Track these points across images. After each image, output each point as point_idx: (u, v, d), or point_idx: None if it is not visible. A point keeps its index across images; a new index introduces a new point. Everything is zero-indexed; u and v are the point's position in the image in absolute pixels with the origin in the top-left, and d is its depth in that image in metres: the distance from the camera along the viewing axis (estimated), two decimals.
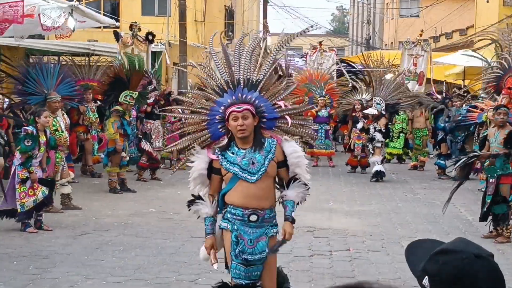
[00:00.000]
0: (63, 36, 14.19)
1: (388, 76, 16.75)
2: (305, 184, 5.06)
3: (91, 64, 16.91)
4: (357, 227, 10.02)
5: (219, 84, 5.20)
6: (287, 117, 5.16)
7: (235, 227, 4.94)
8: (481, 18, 29.44)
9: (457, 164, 9.70)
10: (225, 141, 5.02)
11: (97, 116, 14.38)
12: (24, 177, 9.17)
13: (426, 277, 1.92)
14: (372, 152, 15.13)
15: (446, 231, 9.77)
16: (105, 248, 8.45)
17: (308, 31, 5.96)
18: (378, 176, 14.78)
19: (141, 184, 13.78)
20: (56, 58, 18.31)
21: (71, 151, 13.21)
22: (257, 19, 46.69)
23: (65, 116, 11.62)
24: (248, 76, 5.16)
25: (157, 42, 19.17)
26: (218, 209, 5.06)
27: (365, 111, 15.40)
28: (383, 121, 14.97)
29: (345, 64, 21.82)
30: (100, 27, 22.76)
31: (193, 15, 26.40)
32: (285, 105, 5.19)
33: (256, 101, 5.06)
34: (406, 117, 16.92)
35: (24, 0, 11.99)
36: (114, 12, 26.73)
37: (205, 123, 5.16)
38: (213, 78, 5.26)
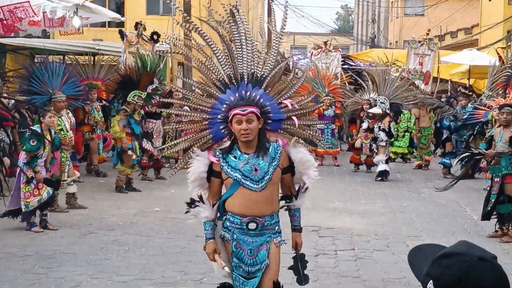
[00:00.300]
0: (67, 33, 14.24)
1: (393, 73, 16.74)
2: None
3: (95, 63, 16.92)
4: (362, 226, 10.01)
5: (220, 78, 4.80)
6: (294, 118, 4.79)
7: (235, 236, 4.64)
8: (486, 16, 29.41)
9: (460, 157, 9.69)
10: (227, 143, 4.69)
11: (102, 115, 14.42)
12: (30, 177, 9.19)
13: (431, 281, 1.92)
14: (376, 151, 15.12)
15: (451, 231, 9.76)
16: (110, 248, 8.46)
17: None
18: (383, 175, 14.76)
19: (146, 183, 13.80)
20: (61, 57, 18.36)
21: (76, 151, 13.25)
22: (262, 18, 46.62)
23: (70, 115, 11.64)
24: (253, 71, 4.80)
25: (162, 42, 19.17)
26: (219, 214, 4.74)
27: (369, 110, 15.38)
28: (387, 120, 14.95)
29: (350, 64, 21.84)
30: (105, 27, 22.74)
31: (198, 14, 26.39)
32: (292, 105, 4.80)
33: (261, 100, 4.69)
34: (411, 116, 16.91)
35: (30, 0, 12.04)
36: (119, 11, 26.76)
37: (207, 122, 4.78)
38: (214, 72, 4.85)
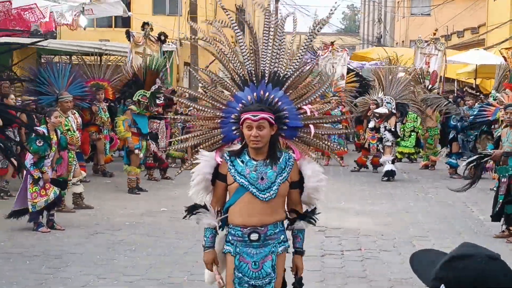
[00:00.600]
0: (75, 27, 14.25)
1: (400, 74, 16.70)
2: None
3: (102, 63, 16.95)
4: (369, 226, 10.00)
5: (240, 74, 4.44)
6: (311, 125, 4.39)
7: (237, 249, 4.32)
8: (492, 16, 29.33)
9: (468, 163, 9.67)
10: (238, 146, 4.38)
11: (108, 116, 14.45)
12: (37, 177, 9.21)
13: (442, 285, 1.93)
14: (382, 151, 15.11)
15: (457, 231, 9.75)
16: (117, 248, 8.48)
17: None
18: (389, 175, 14.75)
19: (152, 183, 13.81)
20: (67, 57, 18.40)
21: (83, 151, 13.27)
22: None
23: (77, 115, 11.66)
24: (276, 69, 4.43)
25: (168, 42, 19.20)
26: (220, 223, 4.40)
27: (375, 110, 15.36)
28: (393, 120, 14.93)
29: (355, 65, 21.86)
30: (111, 27, 22.77)
31: (204, 14, 26.43)
32: (311, 111, 4.42)
33: (279, 103, 4.34)
34: (417, 116, 16.87)
35: (37, 2, 12.09)
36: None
37: (219, 120, 4.43)
38: (235, 64, 4.47)
